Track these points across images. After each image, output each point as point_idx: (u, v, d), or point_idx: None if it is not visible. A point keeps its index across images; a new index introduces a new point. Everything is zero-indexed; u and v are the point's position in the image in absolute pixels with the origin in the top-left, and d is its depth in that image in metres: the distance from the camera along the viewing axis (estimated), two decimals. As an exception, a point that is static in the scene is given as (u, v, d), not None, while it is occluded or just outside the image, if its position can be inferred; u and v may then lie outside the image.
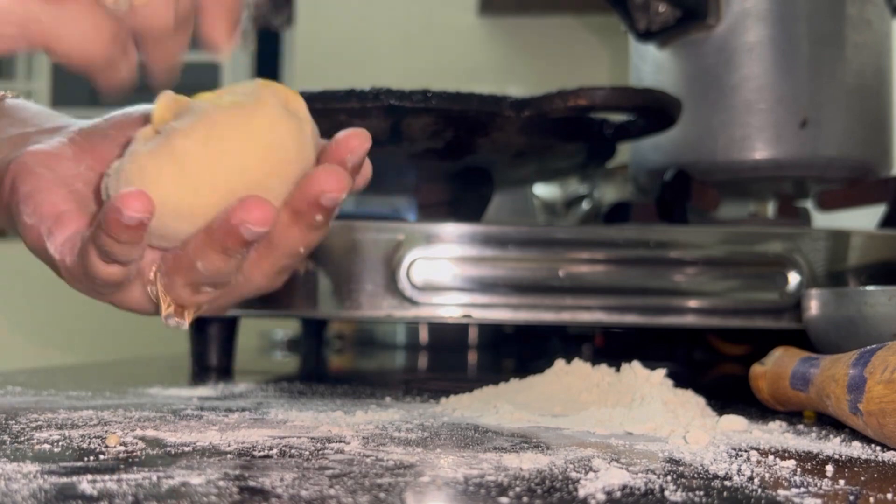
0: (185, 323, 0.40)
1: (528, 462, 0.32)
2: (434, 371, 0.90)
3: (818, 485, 0.30)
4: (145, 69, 0.38)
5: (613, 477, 0.29)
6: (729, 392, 0.59)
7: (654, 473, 0.31)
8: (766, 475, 0.31)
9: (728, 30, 0.77)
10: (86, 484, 0.27)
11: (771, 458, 0.34)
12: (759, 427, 0.42)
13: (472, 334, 1.25)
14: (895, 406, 0.35)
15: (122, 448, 0.33)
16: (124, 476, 0.28)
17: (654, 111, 0.69)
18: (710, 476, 0.31)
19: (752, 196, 0.84)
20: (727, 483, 0.30)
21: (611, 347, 1.18)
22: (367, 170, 0.42)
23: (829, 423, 0.44)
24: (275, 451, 0.33)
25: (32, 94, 2.55)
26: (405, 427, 0.41)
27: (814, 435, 0.41)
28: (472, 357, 1.09)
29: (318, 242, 0.40)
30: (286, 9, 1.77)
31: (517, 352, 1.22)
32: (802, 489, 0.29)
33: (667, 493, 0.28)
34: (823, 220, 0.88)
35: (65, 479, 0.27)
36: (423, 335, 1.27)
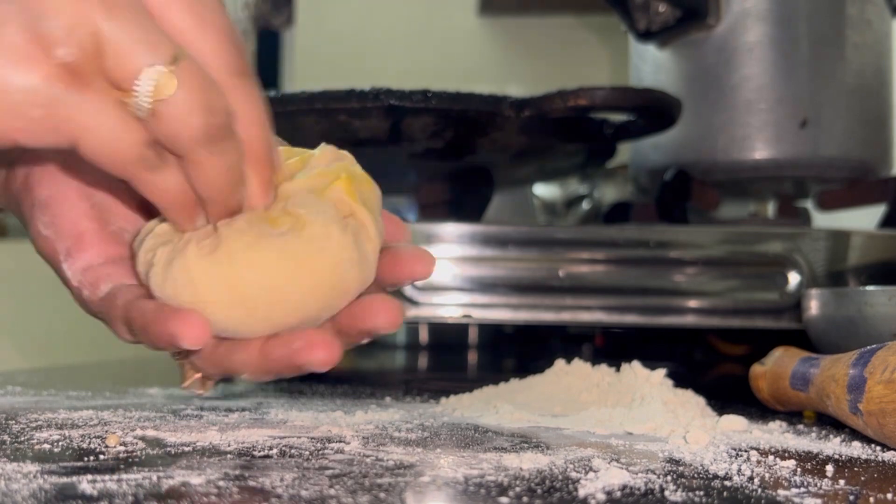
0: (205, 393, 0.38)
1: (528, 462, 0.32)
2: (434, 371, 0.90)
3: (818, 485, 0.30)
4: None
5: (613, 477, 0.29)
6: (729, 392, 0.59)
7: (654, 473, 0.31)
8: (766, 475, 0.31)
9: (728, 30, 0.77)
10: (86, 484, 0.27)
11: (771, 458, 0.34)
12: (759, 427, 0.42)
13: (472, 334, 1.25)
14: (895, 406, 0.35)
15: (122, 448, 0.33)
16: (124, 476, 0.28)
17: (654, 111, 0.69)
18: (710, 476, 0.31)
19: (752, 196, 0.84)
20: (727, 483, 0.30)
21: (611, 347, 1.18)
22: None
23: (829, 423, 0.44)
24: (275, 451, 0.33)
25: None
26: (405, 427, 0.41)
27: (814, 435, 0.41)
28: (472, 357, 1.09)
29: None
30: (286, 9, 1.77)
31: (517, 352, 1.22)
32: (802, 489, 0.29)
33: (667, 493, 0.28)
34: (823, 220, 0.88)
35: (65, 479, 0.27)
36: (423, 335, 1.27)
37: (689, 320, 0.65)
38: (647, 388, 0.47)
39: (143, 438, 0.36)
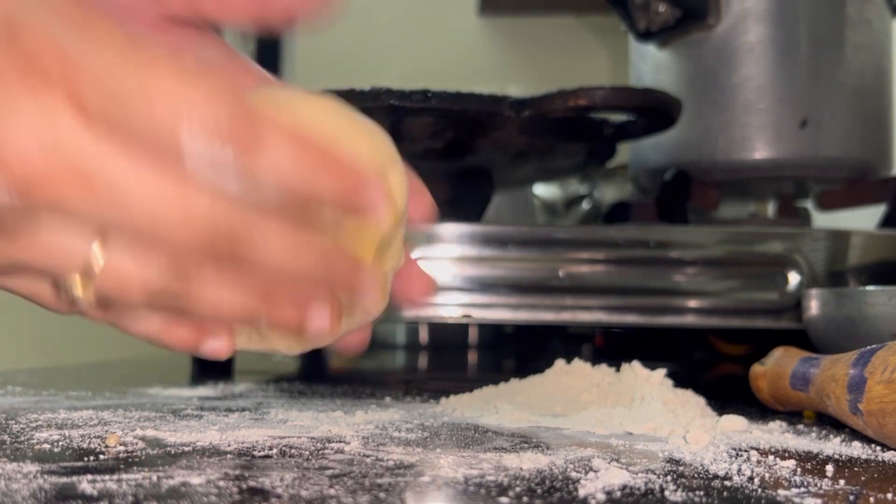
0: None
1: (528, 462, 0.32)
2: (434, 371, 0.90)
3: (818, 485, 0.30)
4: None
5: (613, 477, 0.29)
6: (729, 392, 0.59)
7: (654, 473, 0.31)
8: (766, 475, 0.31)
9: (728, 30, 0.77)
10: (86, 484, 0.27)
11: (771, 458, 0.34)
12: (759, 427, 0.42)
13: (472, 334, 1.25)
14: (895, 406, 0.35)
15: (122, 448, 0.33)
16: (124, 476, 0.28)
17: (654, 111, 0.69)
18: (710, 476, 0.31)
19: (752, 196, 0.84)
20: (727, 483, 0.30)
21: (611, 347, 1.18)
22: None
23: (829, 423, 0.44)
24: (275, 451, 0.33)
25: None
26: (405, 427, 0.41)
27: (814, 435, 0.41)
28: (472, 357, 1.09)
29: None
30: (286, 9, 1.77)
31: (517, 352, 1.22)
32: (802, 489, 0.29)
33: (667, 493, 0.28)
34: (823, 220, 0.88)
35: (65, 479, 0.27)
36: (423, 335, 1.27)
37: (689, 320, 0.65)
38: (647, 388, 0.47)
39: (143, 438, 0.36)
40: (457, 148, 0.69)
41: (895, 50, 0.82)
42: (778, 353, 0.47)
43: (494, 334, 1.27)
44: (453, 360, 1.03)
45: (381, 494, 0.26)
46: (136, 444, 0.34)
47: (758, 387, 0.48)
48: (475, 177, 0.75)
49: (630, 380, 0.49)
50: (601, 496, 0.27)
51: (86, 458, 0.31)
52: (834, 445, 0.38)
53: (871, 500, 0.28)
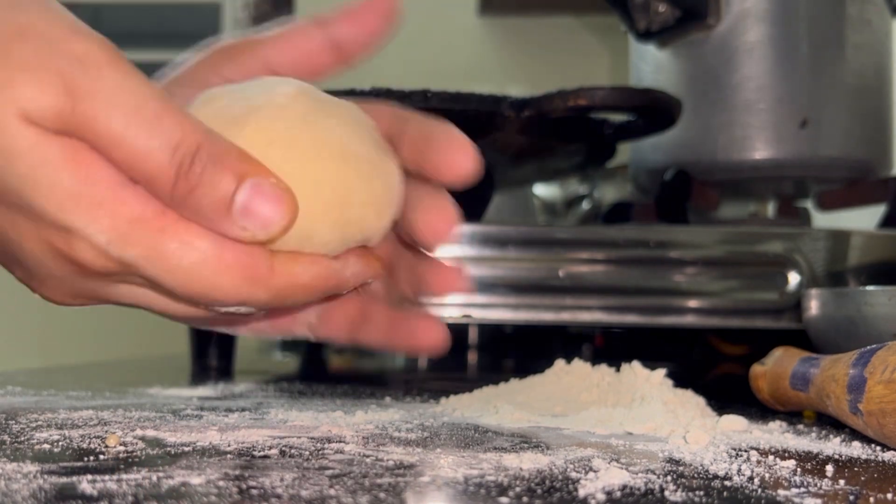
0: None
1: (528, 462, 0.32)
2: (434, 371, 0.90)
3: (818, 485, 0.30)
4: None
5: (613, 477, 0.29)
6: (729, 392, 0.59)
7: (654, 473, 0.31)
8: (766, 475, 0.31)
9: (728, 30, 0.77)
10: (86, 484, 0.27)
11: (771, 458, 0.34)
12: (759, 427, 0.42)
13: (472, 334, 1.25)
14: (895, 406, 0.35)
15: (122, 448, 0.33)
16: (124, 476, 0.28)
17: (654, 111, 0.69)
18: (710, 476, 0.31)
19: (752, 196, 0.84)
20: (727, 483, 0.30)
21: (611, 347, 1.18)
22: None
23: (829, 423, 0.44)
24: (275, 451, 0.33)
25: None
26: (405, 427, 0.41)
27: (814, 435, 0.41)
28: (472, 357, 1.09)
29: None
30: (286, 9, 1.77)
31: (517, 352, 1.22)
32: (802, 489, 0.29)
33: (667, 493, 0.28)
34: (823, 220, 0.88)
35: (65, 479, 0.27)
36: (423, 335, 1.26)
37: (689, 320, 0.65)
38: (647, 388, 0.47)
39: (143, 438, 0.36)
40: (457, 148, 0.69)
41: (895, 50, 0.82)
42: (778, 354, 0.47)
43: (494, 334, 1.27)
44: (453, 360, 1.03)
45: (381, 494, 0.26)
46: (136, 444, 0.34)
47: (758, 387, 0.48)
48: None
49: (630, 380, 0.48)
50: (601, 496, 0.27)
51: (86, 458, 0.31)
52: (834, 445, 0.38)
53: (871, 500, 0.28)
